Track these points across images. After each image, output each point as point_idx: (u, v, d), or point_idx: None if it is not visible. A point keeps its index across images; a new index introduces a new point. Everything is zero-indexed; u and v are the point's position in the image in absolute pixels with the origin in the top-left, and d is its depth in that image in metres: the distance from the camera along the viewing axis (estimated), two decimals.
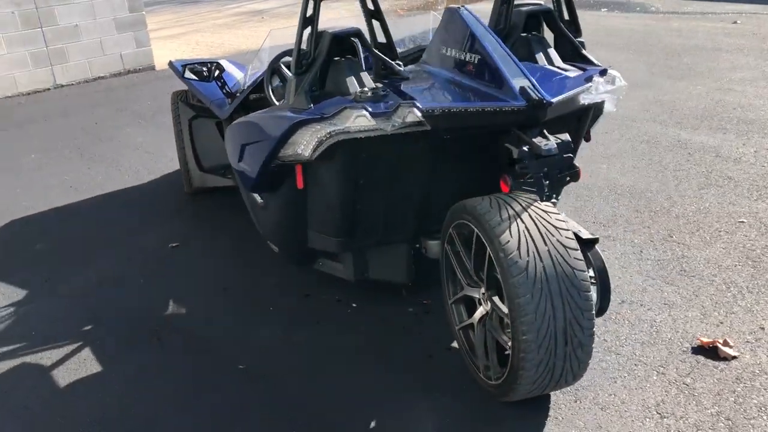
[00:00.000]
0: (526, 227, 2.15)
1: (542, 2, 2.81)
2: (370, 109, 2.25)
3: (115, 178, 4.70)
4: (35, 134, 5.75)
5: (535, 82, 2.26)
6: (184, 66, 3.62)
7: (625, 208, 3.75)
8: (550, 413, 2.34)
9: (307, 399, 2.47)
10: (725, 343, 2.59)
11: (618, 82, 2.54)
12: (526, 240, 2.13)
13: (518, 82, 2.25)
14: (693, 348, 2.61)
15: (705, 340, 2.62)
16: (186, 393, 2.54)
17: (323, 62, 2.47)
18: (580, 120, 2.63)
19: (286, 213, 2.77)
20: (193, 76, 3.63)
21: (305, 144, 2.34)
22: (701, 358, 2.55)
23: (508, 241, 2.12)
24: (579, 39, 2.77)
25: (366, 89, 2.37)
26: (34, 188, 4.59)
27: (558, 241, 2.14)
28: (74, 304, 3.17)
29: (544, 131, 2.27)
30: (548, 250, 2.12)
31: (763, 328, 2.70)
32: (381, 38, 2.70)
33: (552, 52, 2.71)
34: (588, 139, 2.85)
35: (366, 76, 2.49)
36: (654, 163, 4.35)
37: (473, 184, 2.62)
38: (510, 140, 2.33)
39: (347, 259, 2.84)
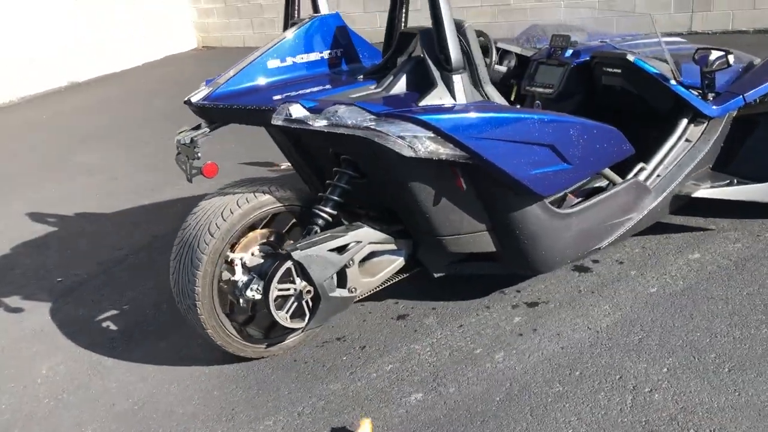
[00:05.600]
0: (217, 206, 2.70)
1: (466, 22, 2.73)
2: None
3: None
4: None
5: (222, 87, 2.71)
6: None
7: None
8: None
9: None
10: None
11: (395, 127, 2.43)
12: (204, 213, 2.71)
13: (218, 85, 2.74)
14: (348, 425, 2.56)
15: (364, 420, 2.46)
16: None
17: None
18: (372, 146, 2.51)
19: None
20: None
21: None
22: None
23: (202, 207, 2.76)
24: (448, 70, 2.58)
25: None
26: None
27: (206, 224, 2.66)
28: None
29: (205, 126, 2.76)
30: (197, 226, 2.68)
31: None
32: None
33: (400, 77, 2.73)
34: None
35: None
36: None
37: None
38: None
39: None
